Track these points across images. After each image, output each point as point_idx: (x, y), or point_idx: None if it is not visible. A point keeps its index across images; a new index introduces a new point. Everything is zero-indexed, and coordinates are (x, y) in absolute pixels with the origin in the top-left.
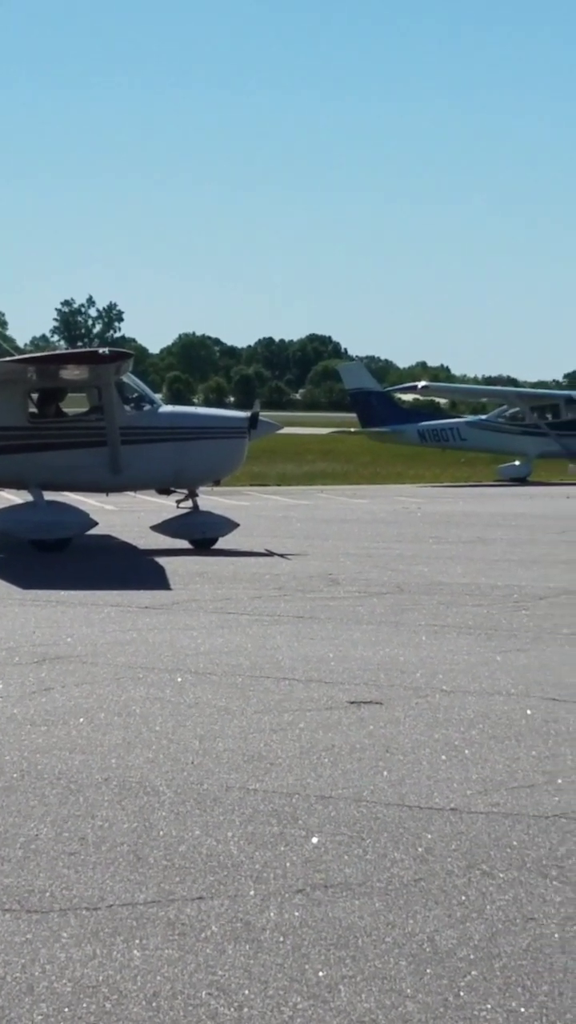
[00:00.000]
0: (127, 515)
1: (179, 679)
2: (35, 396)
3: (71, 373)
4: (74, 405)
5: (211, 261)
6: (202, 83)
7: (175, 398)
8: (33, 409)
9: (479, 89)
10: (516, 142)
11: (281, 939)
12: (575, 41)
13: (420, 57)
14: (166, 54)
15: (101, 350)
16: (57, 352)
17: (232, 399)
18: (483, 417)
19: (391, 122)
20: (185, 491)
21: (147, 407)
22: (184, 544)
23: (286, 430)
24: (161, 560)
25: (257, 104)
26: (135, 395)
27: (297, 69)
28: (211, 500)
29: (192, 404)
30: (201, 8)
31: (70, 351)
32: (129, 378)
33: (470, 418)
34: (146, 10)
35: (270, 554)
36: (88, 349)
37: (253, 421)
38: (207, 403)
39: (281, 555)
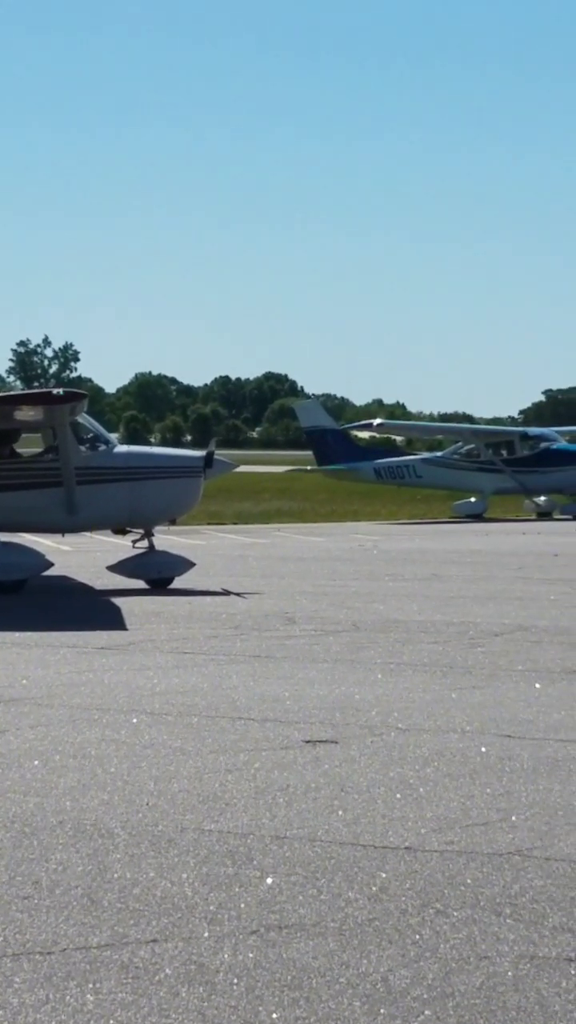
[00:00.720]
0: (83, 555)
1: (135, 720)
2: None
3: (25, 414)
4: (28, 446)
5: (167, 300)
6: (159, 120)
7: (132, 437)
8: None
9: (443, 126)
10: (467, 180)
11: (235, 981)
12: (530, 74)
13: (380, 95)
14: (127, 90)
15: (55, 391)
16: (11, 393)
17: (189, 438)
18: (439, 454)
19: (346, 159)
20: (141, 531)
21: (102, 447)
22: (140, 584)
23: (243, 468)
24: (117, 600)
25: (212, 142)
26: (90, 435)
27: (253, 107)
28: (167, 539)
29: (149, 443)
30: (160, 45)
31: (24, 392)
32: (84, 418)
33: (426, 455)
34: (103, 43)
35: (227, 593)
36: (42, 390)
37: (208, 460)
38: (164, 442)
39: (238, 594)
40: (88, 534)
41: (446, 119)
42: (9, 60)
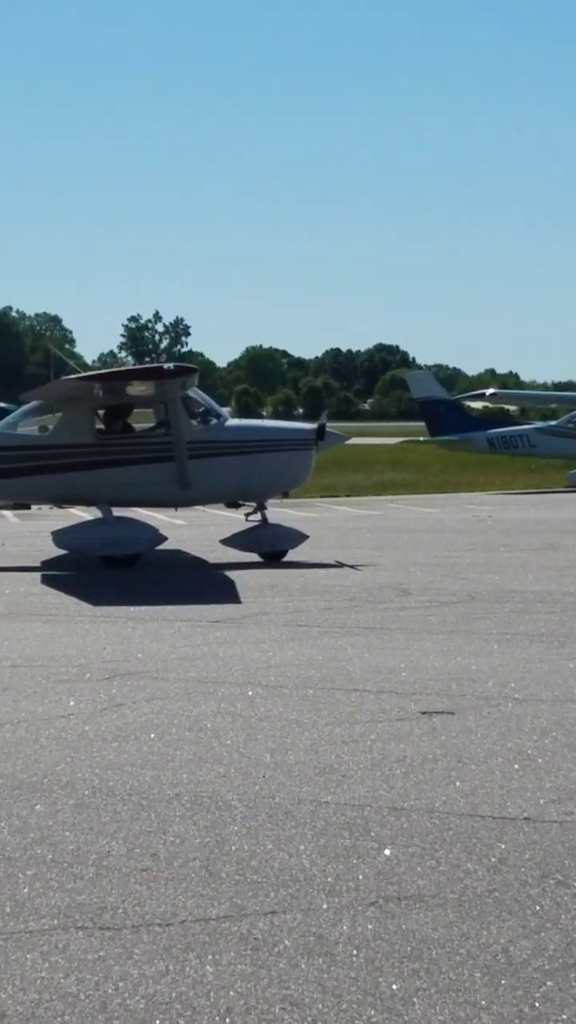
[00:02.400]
0: (196, 529)
1: (250, 692)
2: (102, 413)
3: (137, 389)
4: (141, 421)
5: (277, 273)
6: (262, 95)
7: (243, 411)
8: (100, 426)
9: (536, 82)
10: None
11: (354, 952)
12: None
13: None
14: (225, 71)
15: (166, 365)
16: (123, 368)
17: (300, 411)
18: (553, 423)
19: (452, 126)
20: (253, 504)
21: (213, 421)
22: (254, 557)
23: (355, 440)
24: (231, 574)
25: (316, 117)
26: (201, 409)
27: (360, 80)
28: (280, 512)
29: (261, 417)
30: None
31: (136, 367)
32: (195, 392)
33: (540, 424)
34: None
35: (340, 565)
36: (153, 365)
37: (320, 432)
38: (275, 415)
39: (351, 566)
40: (201, 508)
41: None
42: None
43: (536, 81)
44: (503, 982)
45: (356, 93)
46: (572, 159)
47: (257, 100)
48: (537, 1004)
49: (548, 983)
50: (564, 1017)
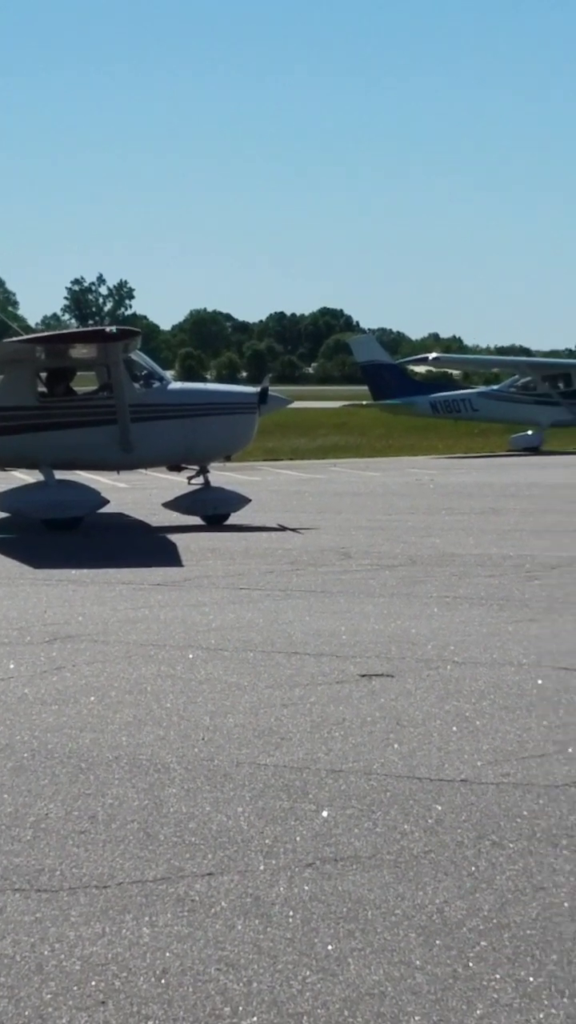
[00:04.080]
0: (139, 492)
1: (191, 655)
2: (44, 375)
3: (79, 352)
4: (84, 384)
5: (221, 236)
6: (209, 59)
7: (187, 374)
8: (43, 389)
9: (487, 55)
10: (528, 116)
11: (291, 913)
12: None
13: (429, 35)
14: (171, 35)
15: (108, 328)
16: (65, 331)
17: (245, 374)
18: (495, 387)
19: (398, 92)
20: (196, 467)
21: (156, 384)
22: (196, 520)
23: (299, 404)
24: (173, 537)
25: (264, 80)
26: (144, 372)
27: (301, 47)
28: (223, 476)
29: (204, 380)
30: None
31: (78, 330)
32: (138, 355)
33: (482, 389)
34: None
35: (282, 529)
36: (95, 327)
37: (263, 396)
38: (219, 379)
39: (293, 529)
40: (144, 471)
41: (501, 47)
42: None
43: (471, 45)
44: (437, 942)
45: (300, 55)
46: (513, 123)
47: (197, 58)
48: (471, 964)
49: (482, 943)
50: (497, 976)
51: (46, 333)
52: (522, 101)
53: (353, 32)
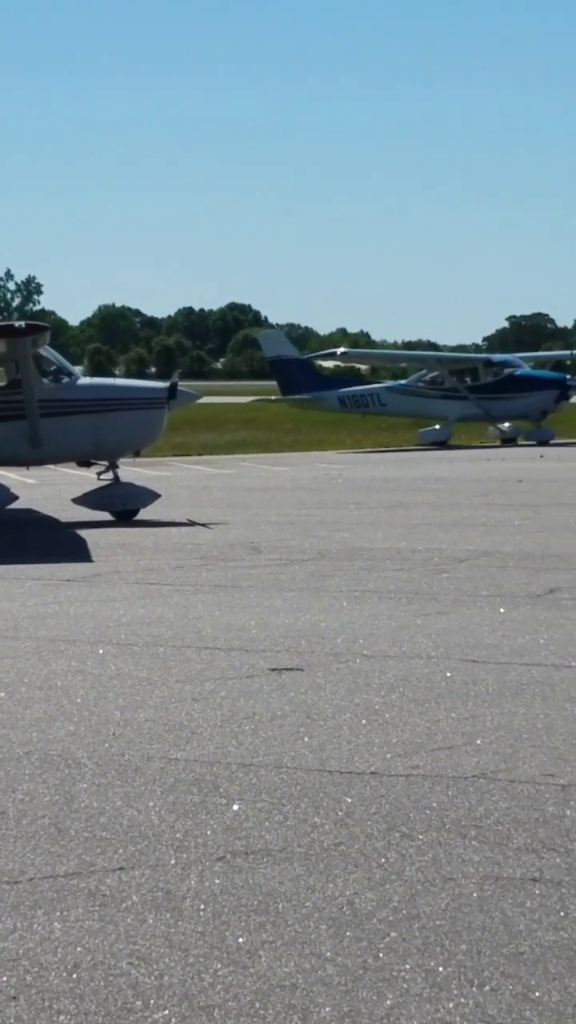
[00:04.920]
0: (48, 488)
1: (100, 651)
2: None
3: None
4: None
5: (130, 231)
6: (123, 54)
7: (96, 370)
8: None
9: (394, 60)
10: (428, 109)
11: (202, 907)
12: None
13: (339, 34)
14: (98, 26)
15: (17, 323)
16: None
17: (154, 369)
18: (403, 382)
19: (306, 87)
20: (105, 463)
21: (65, 379)
22: (106, 516)
23: (208, 399)
24: (83, 532)
25: (167, 71)
26: (53, 368)
27: (208, 45)
28: (133, 471)
29: (114, 376)
30: None
31: None
32: (47, 351)
33: (390, 383)
34: None
35: (192, 524)
36: (4, 323)
37: (172, 391)
38: (128, 374)
39: (203, 524)
40: (53, 467)
41: (403, 53)
42: None
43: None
44: (348, 934)
45: (221, 50)
46: (416, 115)
47: (101, 54)
48: (381, 955)
49: (392, 934)
50: (407, 967)
51: None
52: (431, 98)
53: (267, 33)
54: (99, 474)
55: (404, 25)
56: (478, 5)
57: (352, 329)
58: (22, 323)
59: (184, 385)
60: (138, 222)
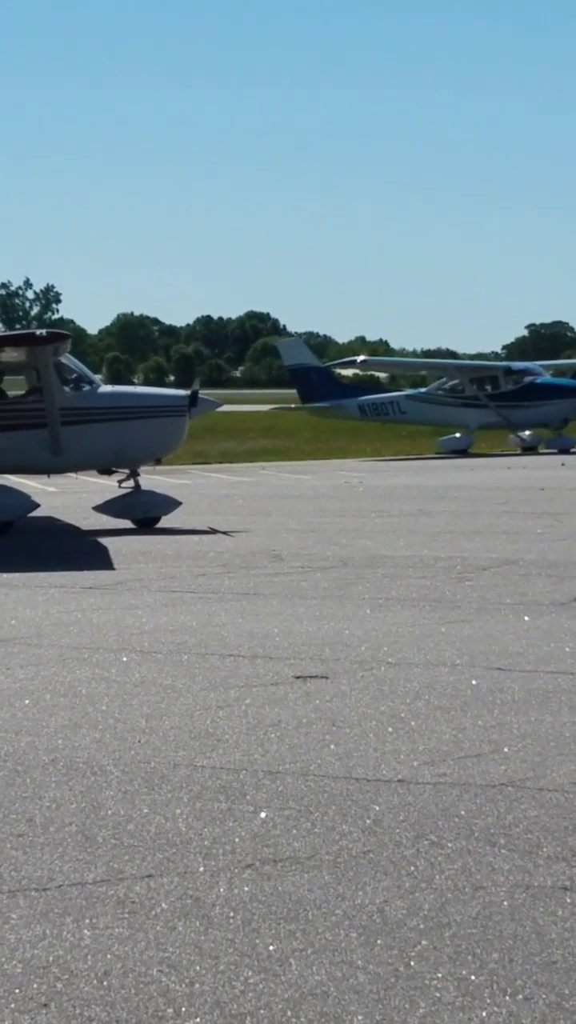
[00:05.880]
0: (69, 496)
1: (124, 659)
2: None
3: (8, 355)
4: (13, 388)
5: (148, 240)
6: (142, 63)
7: (115, 378)
8: None
9: (424, 66)
10: (447, 117)
11: (231, 914)
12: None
13: (351, 42)
14: (117, 33)
15: (38, 332)
16: None
17: (172, 378)
18: (423, 390)
19: (327, 98)
20: (126, 471)
21: (86, 387)
22: (127, 524)
23: (227, 408)
24: (104, 540)
25: (192, 85)
26: (74, 376)
27: (225, 53)
28: (153, 479)
29: (132, 384)
30: None
31: (7, 333)
32: (67, 359)
33: (410, 391)
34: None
35: (213, 532)
36: (25, 331)
37: (193, 399)
38: (147, 383)
39: (224, 532)
40: (74, 475)
41: (424, 58)
42: None
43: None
44: (379, 942)
45: (239, 61)
46: (440, 128)
47: (114, 62)
48: (412, 963)
49: (423, 942)
50: (439, 975)
51: None
52: (451, 106)
53: (269, 43)
54: (120, 482)
55: (436, 29)
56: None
57: (371, 337)
58: (43, 331)
59: (204, 393)
60: (157, 231)
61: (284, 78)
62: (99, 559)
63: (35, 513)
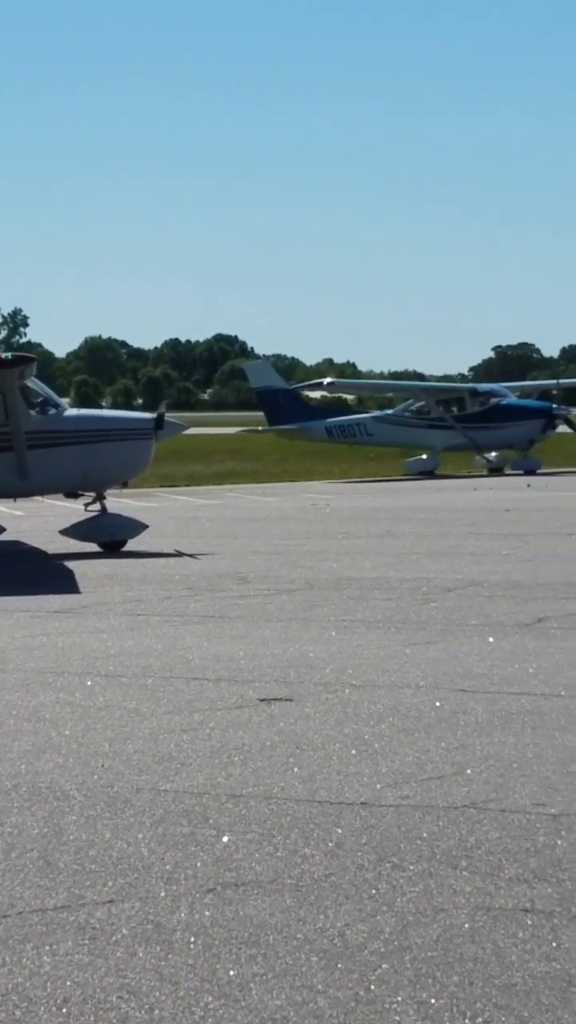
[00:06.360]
0: (35, 520)
1: (89, 683)
2: None
3: None
4: None
5: (116, 263)
6: (110, 77)
7: (83, 401)
8: None
9: (392, 87)
10: (415, 140)
11: (192, 939)
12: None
13: (329, 59)
14: (89, 45)
15: (3, 355)
16: None
17: (140, 401)
18: (389, 412)
19: (292, 117)
20: (93, 494)
21: (52, 411)
22: (94, 547)
23: (195, 430)
24: (70, 564)
25: (148, 98)
26: (40, 399)
27: (199, 70)
28: (120, 502)
29: (100, 407)
30: None
31: None
32: (33, 382)
33: (376, 413)
34: None
35: (179, 554)
36: None
37: (159, 422)
38: (115, 406)
39: (191, 555)
40: (40, 498)
41: (392, 79)
42: None
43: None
44: (339, 966)
45: (202, 72)
46: (401, 146)
47: (93, 75)
48: (373, 987)
49: (383, 966)
50: (399, 999)
51: None
52: (417, 130)
53: (255, 58)
54: (86, 505)
55: (386, 51)
56: (472, 28)
57: (339, 359)
58: (8, 355)
59: (171, 416)
60: (124, 254)
61: (258, 100)
62: (65, 583)
63: (1, 537)
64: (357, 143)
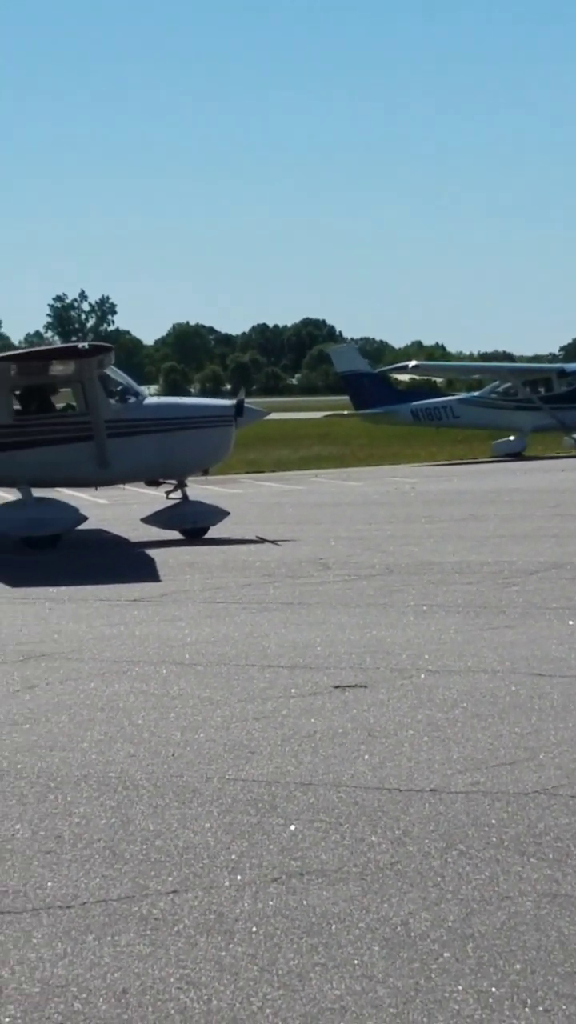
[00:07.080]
0: (118, 508)
1: (164, 671)
2: (19, 393)
3: (53, 369)
4: (61, 400)
5: (203, 249)
6: (190, 76)
7: (172, 388)
8: (17, 406)
9: (463, 75)
10: (502, 119)
11: (254, 929)
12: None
13: (411, 55)
14: (160, 53)
15: (81, 344)
16: (37, 348)
17: (228, 387)
18: (476, 394)
19: (376, 107)
20: (174, 482)
21: (132, 399)
22: (175, 535)
23: (283, 415)
24: (152, 552)
25: (241, 94)
26: (119, 388)
27: (290, 66)
28: (205, 489)
29: (189, 394)
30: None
31: (50, 347)
32: (113, 371)
33: (463, 395)
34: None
35: (261, 541)
36: (68, 344)
37: (239, 409)
38: (203, 392)
39: (272, 541)
40: (123, 487)
41: (475, 58)
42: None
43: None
44: (401, 955)
45: (272, 70)
46: (493, 134)
47: (180, 77)
48: (433, 976)
49: (445, 954)
50: (460, 988)
51: (19, 351)
52: (504, 110)
53: (333, 51)
54: (168, 493)
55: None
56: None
57: (428, 342)
58: (85, 344)
59: (257, 402)
60: (211, 240)
61: (335, 85)
62: (146, 571)
63: (84, 525)
64: (442, 129)
